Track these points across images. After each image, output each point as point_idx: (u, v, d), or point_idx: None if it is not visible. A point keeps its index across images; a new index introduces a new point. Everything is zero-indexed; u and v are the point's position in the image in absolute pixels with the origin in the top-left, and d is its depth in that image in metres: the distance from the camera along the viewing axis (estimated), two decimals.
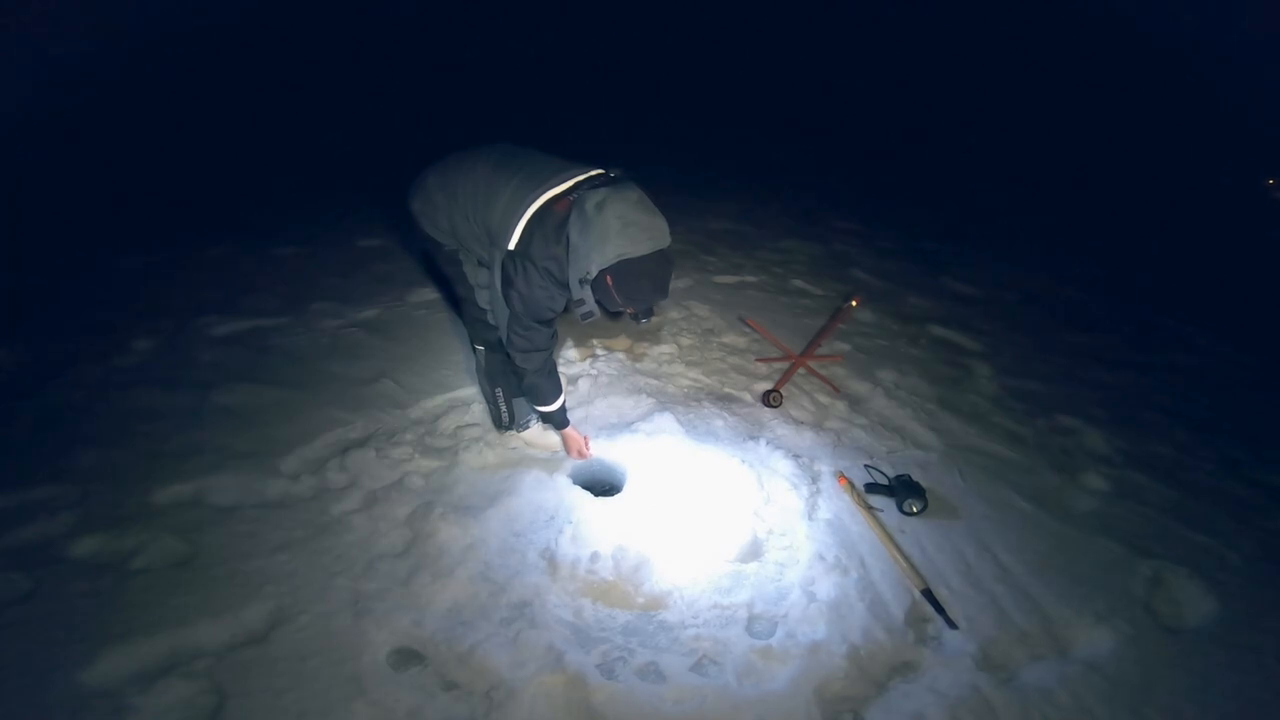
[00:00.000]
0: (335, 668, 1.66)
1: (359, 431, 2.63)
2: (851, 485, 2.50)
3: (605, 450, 2.65)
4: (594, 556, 2.10)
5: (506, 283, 2.07)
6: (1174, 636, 1.99)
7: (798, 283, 4.44)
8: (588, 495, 2.42)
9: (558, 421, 2.42)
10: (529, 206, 1.99)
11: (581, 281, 1.89)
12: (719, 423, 2.89)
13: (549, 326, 2.16)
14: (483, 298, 2.36)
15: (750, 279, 4.39)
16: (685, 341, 3.54)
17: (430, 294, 3.71)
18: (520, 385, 2.35)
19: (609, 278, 1.84)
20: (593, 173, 2.03)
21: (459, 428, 2.71)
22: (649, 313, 1.97)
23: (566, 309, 2.08)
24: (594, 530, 2.21)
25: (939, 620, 1.97)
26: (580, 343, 3.38)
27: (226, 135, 6.66)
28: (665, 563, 2.13)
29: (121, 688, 1.58)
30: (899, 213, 6.22)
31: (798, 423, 2.93)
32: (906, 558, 2.16)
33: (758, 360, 3.40)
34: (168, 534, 2.08)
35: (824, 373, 3.30)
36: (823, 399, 3.14)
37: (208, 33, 8.26)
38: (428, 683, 1.66)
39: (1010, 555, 2.26)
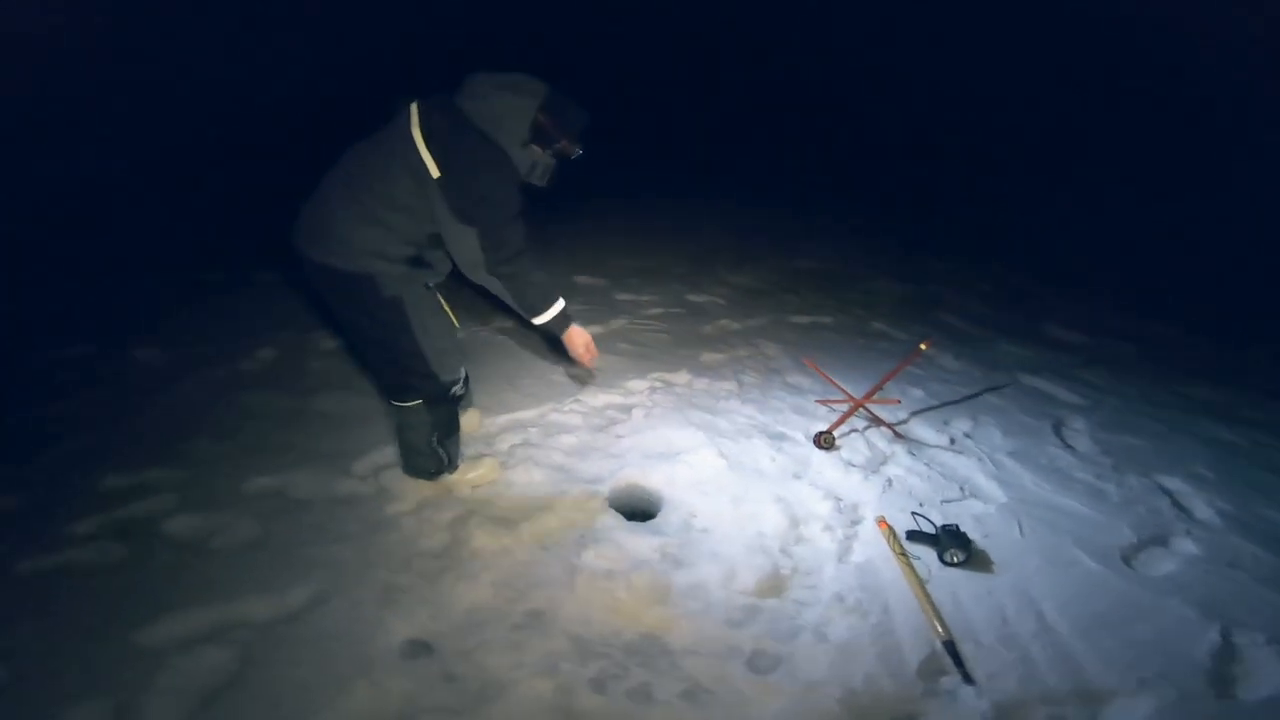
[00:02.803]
0: (350, 649, 1.83)
1: None
2: (891, 530, 2.40)
3: (646, 478, 2.72)
4: (610, 574, 2.16)
5: (459, 204, 2.07)
6: (1230, 705, 1.75)
7: (879, 325, 4.33)
8: (620, 518, 2.49)
9: (562, 325, 2.31)
10: (414, 139, 2.05)
11: (524, 144, 2.10)
12: (765, 460, 2.87)
13: (521, 220, 2.16)
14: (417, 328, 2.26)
15: (826, 320, 4.33)
16: (748, 379, 3.55)
17: (508, 321, 3.97)
18: (520, 302, 2.24)
19: (543, 119, 2.08)
20: (413, 104, 2.13)
21: (514, 446, 2.87)
22: (583, 138, 2.20)
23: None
24: (618, 550, 2.27)
25: (956, 674, 1.85)
26: (642, 375, 3.48)
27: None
28: (682, 588, 2.15)
29: (167, 649, 1.82)
30: (1010, 253, 5.88)
31: (849, 465, 2.85)
32: (935, 607, 2.05)
33: (818, 401, 3.34)
34: (247, 518, 2.37)
35: (888, 418, 3.19)
36: (881, 444, 3.03)
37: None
38: (429, 673, 1.79)
39: (1059, 613, 2.08)
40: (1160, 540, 2.48)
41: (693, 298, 4.52)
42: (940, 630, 1.98)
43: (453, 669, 1.81)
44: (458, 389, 2.44)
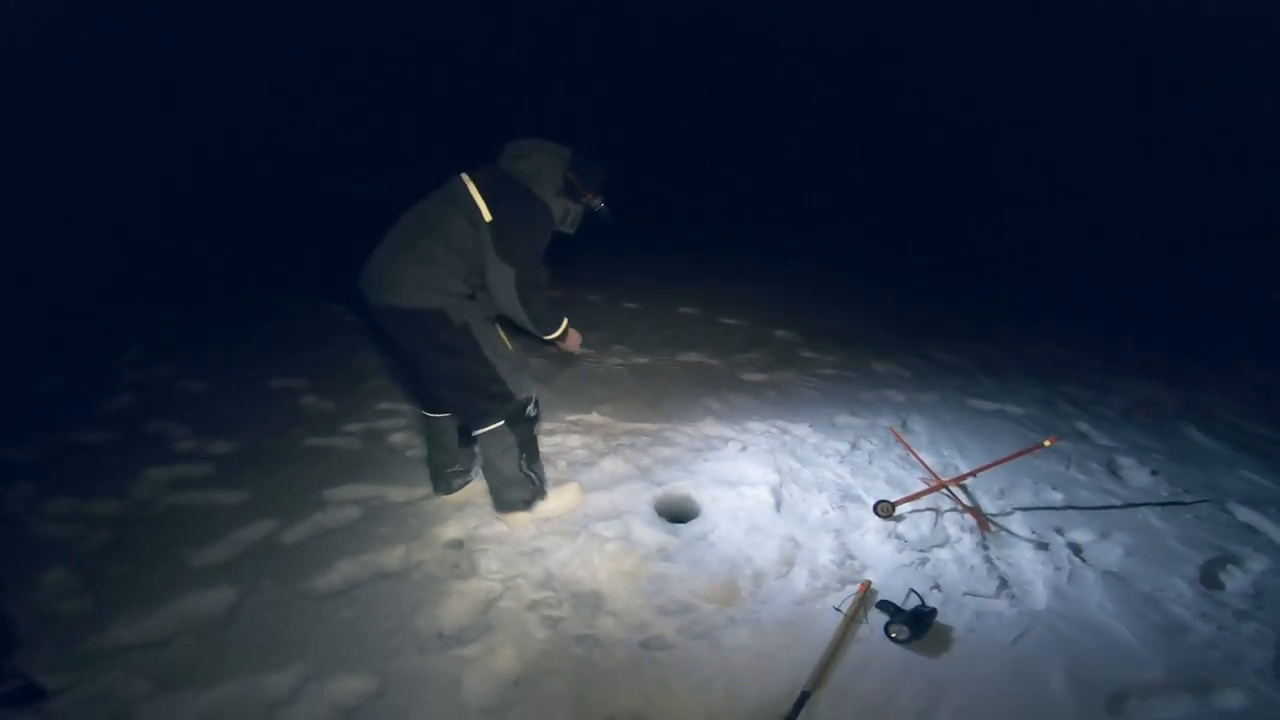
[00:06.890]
0: (419, 529, 2.75)
1: (564, 427, 3.73)
2: (865, 595, 2.44)
3: (698, 494, 3.15)
4: (603, 542, 2.72)
5: (503, 244, 2.43)
6: None
7: (1082, 425, 3.78)
8: (654, 514, 3.00)
9: (563, 337, 2.74)
10: (469, 188, 2.47)
11: (558, 194, 2.57)
12: (816, 512, 3.02)
13: (542, 262, 2.59)
14: (490, 352, 2.55)
15: (1015, 409, 3.95)
16: (866, 445, 3.61)
17: (694, 357, 4.63)
18: (538, 326, 2.62)
19: (572, 176, 2.57)
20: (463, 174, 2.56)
21: (620, 445, 3.56)
22: (603, 191, 2.68)
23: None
24: (625, 531, 2.81)
25: None
26: (765, 419, 3.82)
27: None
28: (650, 574, 2.59)
29: (331, 502, 2.92)
30: None
31: (895, 536, 2.84)
32: (829, 661, 2.12)
33: (920, 479, 3.26)
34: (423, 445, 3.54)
35: (988, 507, 2.98)
36: (953, 528, 2.89)
37: None
38: (445, 557, 2.62)
39: (953, 715, 1.95)
40: (1200, 688, 2.01)
41: (877, 365, 4.55)
42: (811, 681, 2.06)
43: (459, 560, 2.63)
44: (531, 409, 2.73)
